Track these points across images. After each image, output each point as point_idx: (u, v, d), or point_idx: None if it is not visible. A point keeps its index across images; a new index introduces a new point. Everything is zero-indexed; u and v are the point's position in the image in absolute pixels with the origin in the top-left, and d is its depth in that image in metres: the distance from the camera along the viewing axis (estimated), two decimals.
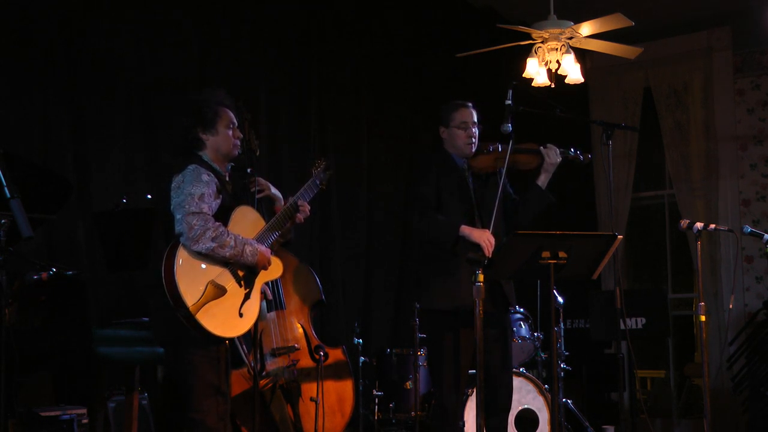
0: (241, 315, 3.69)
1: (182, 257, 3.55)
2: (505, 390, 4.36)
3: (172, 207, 3.62)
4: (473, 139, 4.39)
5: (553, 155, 4.33)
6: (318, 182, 4.28)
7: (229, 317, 3.65)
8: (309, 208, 4.11)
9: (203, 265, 3.60)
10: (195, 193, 3.58)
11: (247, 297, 3.72)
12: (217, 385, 3.69)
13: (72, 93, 5.15)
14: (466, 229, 4.19)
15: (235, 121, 3.85)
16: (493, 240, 4.13)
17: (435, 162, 4.43)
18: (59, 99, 5.09)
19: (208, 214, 3.59)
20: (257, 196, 4.13)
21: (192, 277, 3.55)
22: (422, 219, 4.28)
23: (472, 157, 4.39)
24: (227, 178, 3.87)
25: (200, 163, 3.72)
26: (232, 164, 3.98)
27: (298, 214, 4.05)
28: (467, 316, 4.10)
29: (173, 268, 3.51)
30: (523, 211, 4.41)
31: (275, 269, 3.87)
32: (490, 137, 4.42)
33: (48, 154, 4.99)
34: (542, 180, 4.37)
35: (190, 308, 3.50)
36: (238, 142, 3.86)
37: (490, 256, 4.09)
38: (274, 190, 4.22)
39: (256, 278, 3.78)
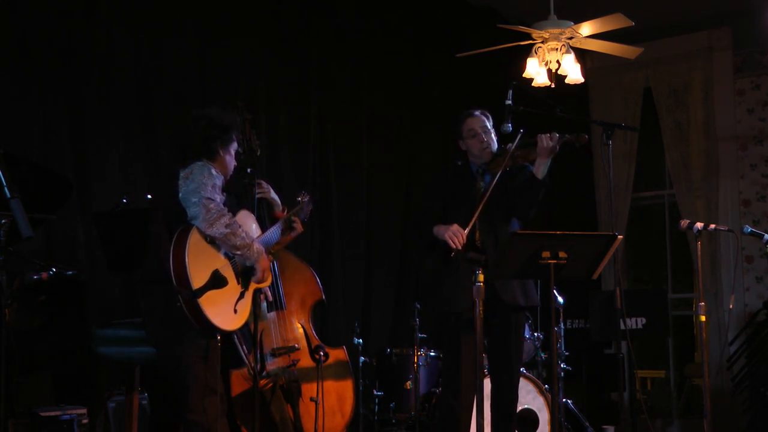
0: (235, 311, 3.74)
1: (194, 241, 3.61)
2: (508, 392, 4.36)
3: (182, 195, 3.68)
4: (485, 144, 4.38)
5: (545, 140, 4.26)
6: (302, 212, 4.30)
7: (225, 310, 3.70)
8: (300, 225, 4.19)
9: (212, 253, 3.67)
10: (208, 182, 3.68)
11: (241, 296, 3.77)
12: (213, 385, 3.70)
13: (72, 93, 5.15)
14: (436, 228, 4.25)
15: (237, 148, 3.99)
16: (459, 233, 4.13)
17: (445, 176, 4.52)
18: (59, 99, 5.09)
19: (220, 204, 3.67)
20: (257, 197, 4.16)
21: (200, 262, 3.61)
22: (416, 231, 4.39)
23: (490, 161, 4.39)
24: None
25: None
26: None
27: (292, 233, 4.15)
28: (469, 322, 4.11)
29: (184, 249, 3.55)
30: (517, 204, 4.39)
31: (266, 277, 3.91)
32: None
33: (48, 154, 4.99)
34: (536, 166, 4.30)
35: (195, 291, 3.53)
36: (232, 168, 3.97)
37: (458, 247, 4.12)
38: (273, 195, 4.27)
39: (251, 279, 3.81)
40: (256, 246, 3.77)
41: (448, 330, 4.34)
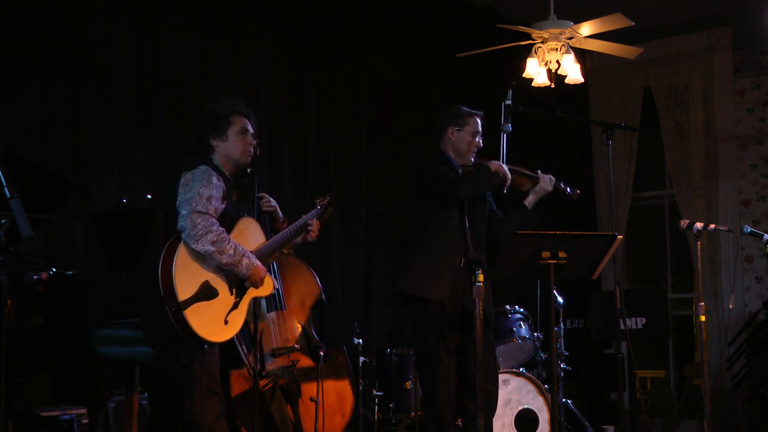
0: (226, 322, 3.69)
1: (182, 252, 3.57)
2: (489, 389, 4.36)
3: (177, 203, 3.63)
4: (476, 149, 4.42)
5: (547, 182, 4.37)
6: (319, 214, 4.22)
7: (213, 321, 3.65)
8: (319, 226, 4.10)
9: (201, 265, 3.62)
10: (204, 193, 3.61)
11: (234, 306, 3.73)
12: (212, 386, 3.69)
13: (72, 93, 5.15)
14: (495, 162, 4.30)
15: (249, 128, 3.87)
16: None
17: (438, 161, 4.44)
18: (59, 99, 5.09)
19: (214, 217, 3.61)
20: (264, 209, 4.13)
21: (188, 274, 3.57)
22: (450, 181, 4.31)
23: (470, 167, 4.39)
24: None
25: (210, 166, 3.74)
26: None
27: (311, 232, 4.05)
28: (452, 316, 4.11)
29: (172, 260, 3.53)
30: (504, 228, 4.41)
31: (266, 287, 3.87)
32: (490, 137, 4.43)
33: (48, 154, 4.99)
34: (530, 201, 4.40)
35: (180, 303, 3.50)
36: (251, 149, 3.87)
37: (505, 188, 4.24)
38: (278, 210, 4.25)
39: (247, 290, 3.78)
40: (246, 261, 3.68)
41: (427, 321, 4.31)
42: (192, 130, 3.93)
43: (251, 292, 3.80)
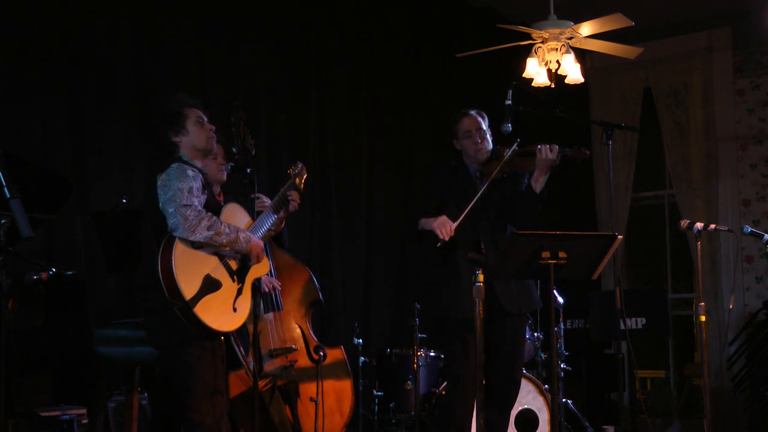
0: (234, 310, 3.73)
1: (179, 251, 3.58)
2: (507, 392, 4.35)
3: (161, 204, 3.64)
4: (480, 146, 4.36)
5: (545, 152, 4.23)
6: (294, 184, 4.25)
7: (223, 311, 3.68)
8: (299, 196, 4.18)
9: (199, 260, 3.64)
10: (183, 187, 3.62)
11: (239, 292, 3.76)
12: (215, 385, 3.70)
13: (72, 93, 5.15)
14: (423, 220, 4.24)
15: (203, 116, 3.89)
16: (448, 224, 4.13)
17: (444, 176, 4.45)
18: (59, 99, 5.09)
19: (199, 207, 3.63)
20: (257, 209, 4.14)
21: (189, 271, 3.58)
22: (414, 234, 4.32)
23: (486, 163, 4.37)
24: (224, 177, 3.91)
25: (181, 162, 3.75)
26: (232, 164, 4.00)
27: (292, 202, 4.13)
28: (472, 324, 4.12)
29: (171, 261, 3.54)
30: (518, 213, 4.39)
31: (263, 266, 3.91)
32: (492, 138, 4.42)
33: (48, 154, 4.99)
34: (534, 177, 4.28)
35: (189, 301, 3.51)
36: (214, 135, 3.90)
37: (446, 238, 4.11)
38: None
39: (247, 273, 3.80)
40: (243, 235, 3.73)
41: (451, 335, 4.32)
42: (151, 137, 3.95)
43: (250, 275, 3.82)
